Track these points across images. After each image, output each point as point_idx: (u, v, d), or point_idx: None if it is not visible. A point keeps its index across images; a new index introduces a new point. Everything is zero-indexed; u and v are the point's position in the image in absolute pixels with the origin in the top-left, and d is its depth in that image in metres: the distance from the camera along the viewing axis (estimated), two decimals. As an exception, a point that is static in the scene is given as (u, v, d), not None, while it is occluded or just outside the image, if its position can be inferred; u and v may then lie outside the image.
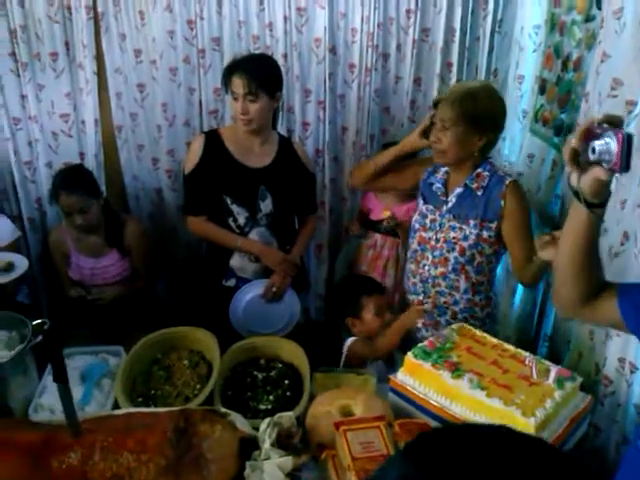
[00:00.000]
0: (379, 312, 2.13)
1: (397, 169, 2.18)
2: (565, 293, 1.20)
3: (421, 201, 2.10)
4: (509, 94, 2.67)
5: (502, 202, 1.91)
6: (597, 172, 1.01)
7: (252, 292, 2.35)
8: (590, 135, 1.01)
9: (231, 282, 2.38)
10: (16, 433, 1.40)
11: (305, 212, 2.54)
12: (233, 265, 2.37)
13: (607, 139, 0.97)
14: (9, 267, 2.05)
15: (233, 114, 2.31)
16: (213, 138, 2.31)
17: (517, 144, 2.66)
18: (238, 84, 2.11)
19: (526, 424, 1.31)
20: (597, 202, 1.06)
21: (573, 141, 1.03)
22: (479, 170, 1.95)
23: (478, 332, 1.72)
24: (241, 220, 2.31)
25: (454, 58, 2.80)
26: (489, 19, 2.72)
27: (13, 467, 1.33)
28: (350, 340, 2.12)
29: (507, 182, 1.92)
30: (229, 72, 2.15)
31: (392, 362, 2.12)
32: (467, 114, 1.85)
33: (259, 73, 2.13)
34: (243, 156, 2.30)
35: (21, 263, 2.10)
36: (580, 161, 1.04)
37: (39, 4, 2.58)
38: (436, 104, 1.95)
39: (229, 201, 2.29)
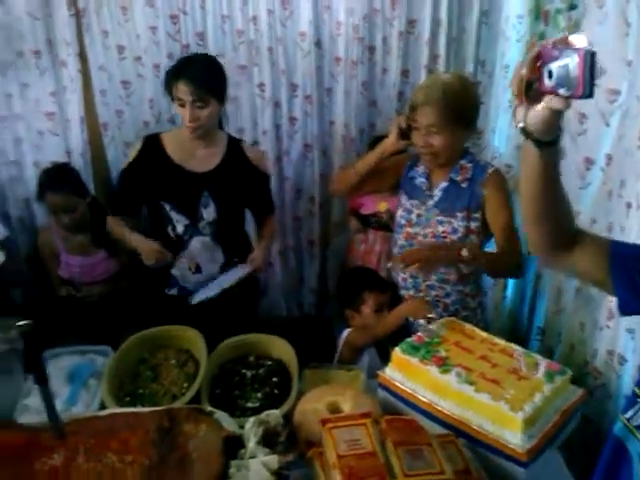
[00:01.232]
0: (378, 309, 2.14)
1: (376, 171, 2.14)
2: (534, 233, 1.13)
3: (404, 196, 2.08)
4: (496, 85, 2.65)
5: (484, 191, 1.91)
6: (553, 101, 0.86)
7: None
8: (545, 58, 0.86)
9: (174, 291, 2.25)
10: (-1, 435, 1.39)
11: (262, 213, 2.41)
12: (175, 274, 2.23)
13: (566, 59, 0.82)
14: None
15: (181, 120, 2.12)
16: (152, 141, 2.16)
17: (505, 135, 2.65)
18: (184, 91, 1.97)
19: (514, 419, 1.29)
20: (549, 140, 0.94)
21: (524, 70, 0.88)
22: (462, 162, 1.94)
23: (467, 326, 1.70)
24: (179, 228, 2.16)
25: (441, 50, 2.78)
26: (476, 10, 2.71)
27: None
28: (346, 331, 2.14)
29: (489, 171, 1.92)
30: (173, 77, 2.00)
31: (387, 357, 2.11)
32: (454, 114, 1.82)
33: (207, 78, 2.00)
34: (184, 160, 2.14)
35: None
36: (530, 93, 0.89)
37: (18, 1, 2.54)
38: (413, 108, 1.87)
39: (167, 207, 2.14)
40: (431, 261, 1.87)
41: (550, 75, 0.84)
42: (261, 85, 2.81)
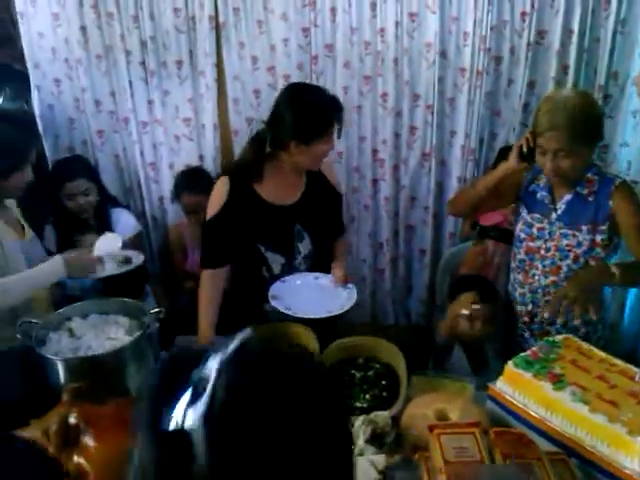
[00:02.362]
0: (474, 315, 2.08)
1: (495, 191, 2.09)
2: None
3: (524, 210, 2.04)
4: (627, 97, 2.54)
5: (611, 202, 1.85)
6: None
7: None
8: None
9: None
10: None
11: (335, 235, 2.23)
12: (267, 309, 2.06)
13: None
14: (126, 261, 2.22)
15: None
16: (239, 179, 2.03)
17: (635, 150, 2.53)
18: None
19: (632, 443, 1.25)
20: None
21: None
22: (588, 175, 1.89)
23: (585, 345, 1.65)
24: (276, 269, 2.07)
25: (571, 60, 2.69)
26: (611, 19, 2.59)
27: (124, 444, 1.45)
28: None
29: (616, 183, 1.87)
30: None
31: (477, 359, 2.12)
32: (582, 137, 1.78)
33: None
34: (271, 195, 2.02)
35: (137, 258, 2.26)
36: None
37: (167, 16, 2.78)
38: (538, 133, 1.82)
39: (263, 249, 2.04)
40: (583, 287, 1.70)
41: None
42: (384, 95, 2.87)
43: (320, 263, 2.11)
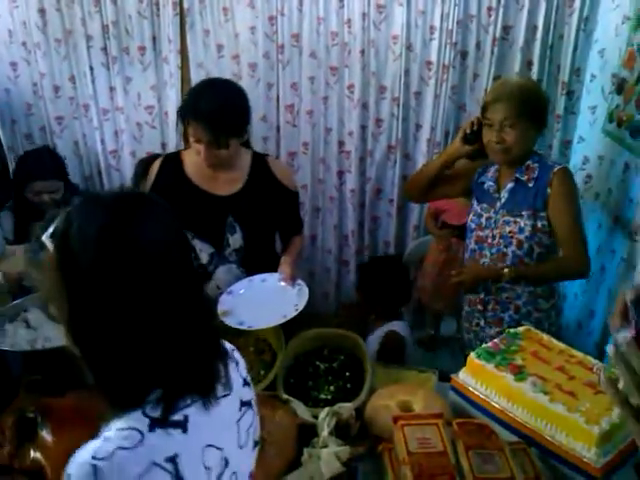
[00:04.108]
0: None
1: (447, 177, 2.15)
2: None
3: (475, 202, 2.09)
4: (586, 93, 2.60)
5: (549, 189, 1.90)
6: None
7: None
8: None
9: None
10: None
11: (290, 233, 2.19)
12: None
13: None
14: None
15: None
16: (172, 161, 2.01)
17: (591, 146, 2.59)
18: (202, 133, 1.81)
19: (589, 432, 1.28)
20: None
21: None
22: (528, 162, 1.94)
23: (545, 336, 1.68)
24: (203, 258, 2.01)
25: (535, 56, 2.73)
26: (575, 16, 2.63)
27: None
28: None
29: (555, 169, 1.91)
30: (188, 114, 1.83)
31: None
32: (529, 109, 1.85)
33: (228, 124, 1.83)
34: (206, 183, 1.97)
35: None
36: None
37: (130, 1, 2.72)
38: (486, 106, 1.90)
39: (190, 236, 1.94)
40: (474, 278, 2.02)
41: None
42: (350, 87, 2.86)
43: (252, 258, 2.05)
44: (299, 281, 1.98)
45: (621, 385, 0.71)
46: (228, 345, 1.02)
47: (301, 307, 1.86)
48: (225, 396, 0.93)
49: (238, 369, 1.01)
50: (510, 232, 1.96)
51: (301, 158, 3.04)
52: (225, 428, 0.93)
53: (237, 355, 1.03)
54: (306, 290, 1.93)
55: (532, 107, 1.86)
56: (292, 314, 1.82)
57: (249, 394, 1.01)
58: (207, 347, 0.91)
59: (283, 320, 1.80)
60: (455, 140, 2.04)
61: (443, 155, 2.09)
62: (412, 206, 3.12)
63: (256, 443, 1.03)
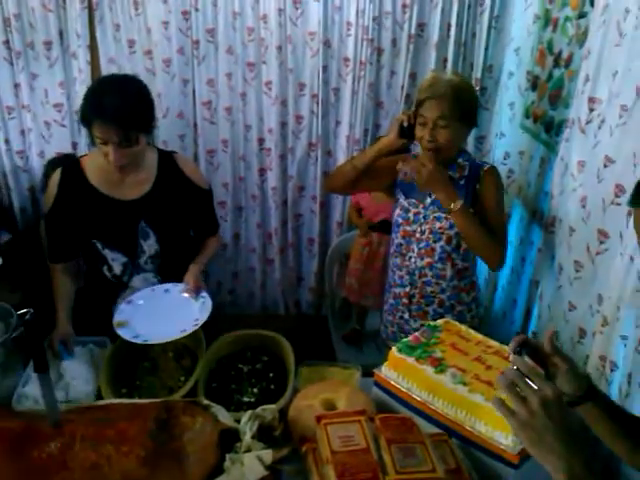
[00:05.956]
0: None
1: (372, 170, 2.14)
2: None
3: (401, 196, 2.10)
4: (501, 90, 2.67)
5: (478, 186, 1.95)
6: None
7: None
8: None
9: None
10: (-4, 421, 1.40)
11: (204, 233, 2.10)
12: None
13: None
14: None
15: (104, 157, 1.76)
16: (72, 171, 1.86)
17: (509, 141, 2.67)
18: (111, 132, 1.68)
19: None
20: None
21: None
22: (459, 160, 1.98)
23: (463, 328, 1.71)
24: (117, 268, 1.91)
25: (450, 53, 2.79)
26: (486, 14, 2.71)
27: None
28: None
29: (485, 168, 1.96)
30: (91, 115, 1.68)
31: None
32: (461, 109, 1.86)
33: (137, 118, 1.72)
34: (113, 189, 1.86)
35: None
36: None
37: (33, -8, 2.57)
38: (419, 103, 1.89)
39: (100, 246, 1.87)
40: (431, 180, 1.86)
41: None
42: (268, 83, 2.83)
43: (169, 266, 1.95)
44: (203, 293, 1.86)
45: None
46: None
47: (201, 322, 1.74)
48: None
49: None
50: (440, 228, 1.99)
51: (221, 156, 2.98)
52: None
53: None
54: (209, 303, 1.82)
55: (465, 108, 1.87)
56: (192, 329, 1.72)
57: None
58: None
59: (181, 335, 1.69)
60: (390, 132, 2.00)
61: (377, 146, 2.04)
62: (335, 203, 3.13)
63: None
